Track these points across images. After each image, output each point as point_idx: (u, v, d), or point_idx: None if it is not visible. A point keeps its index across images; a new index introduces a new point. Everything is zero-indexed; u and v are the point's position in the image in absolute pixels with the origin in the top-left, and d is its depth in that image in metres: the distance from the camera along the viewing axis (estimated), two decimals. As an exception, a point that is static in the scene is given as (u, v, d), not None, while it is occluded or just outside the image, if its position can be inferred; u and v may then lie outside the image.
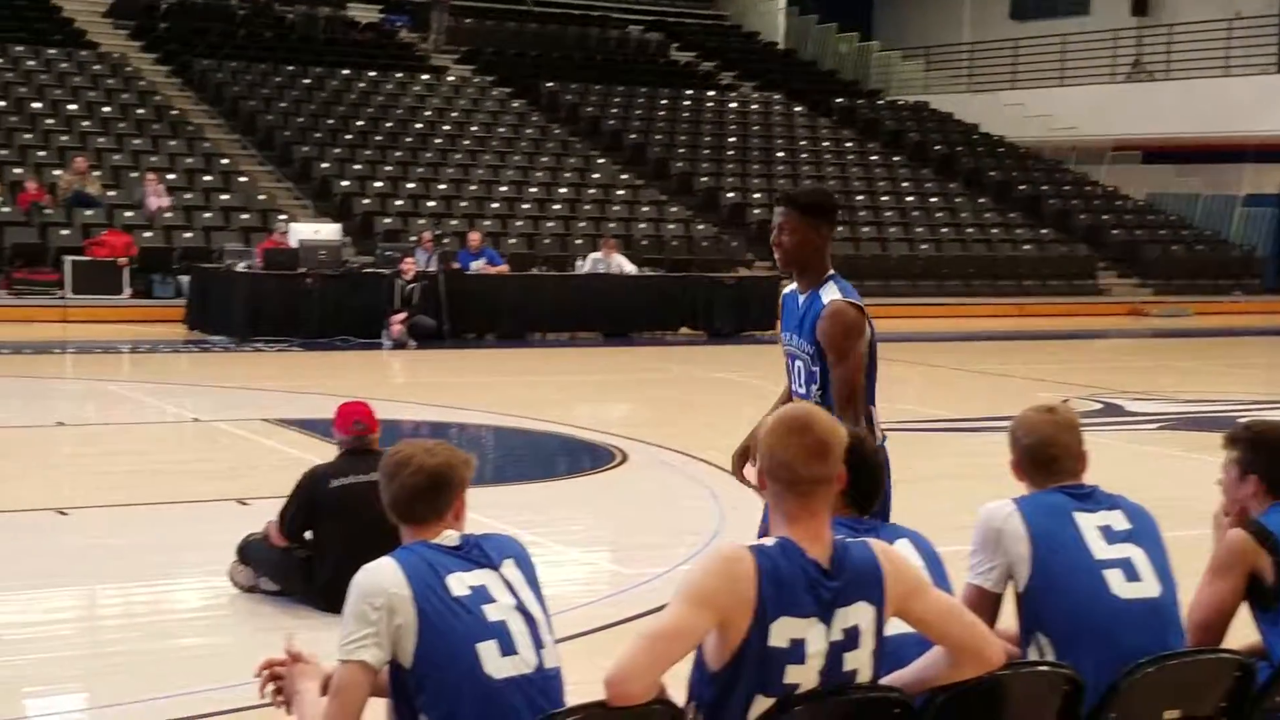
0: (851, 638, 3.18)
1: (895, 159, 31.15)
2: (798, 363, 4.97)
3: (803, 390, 4.97)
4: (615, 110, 30.32)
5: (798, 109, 32.55)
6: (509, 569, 3.49)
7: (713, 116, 31.24)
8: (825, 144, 31.29)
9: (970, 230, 28.53)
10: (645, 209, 26.24)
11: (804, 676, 3.15)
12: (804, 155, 30.29)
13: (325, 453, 10.52)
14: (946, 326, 23.39)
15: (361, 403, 6.84)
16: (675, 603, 3.13)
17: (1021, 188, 30.74)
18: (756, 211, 26.99)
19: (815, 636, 3.14)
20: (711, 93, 32.61)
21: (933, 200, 29.62)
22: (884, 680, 3.30)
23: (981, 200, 30.02)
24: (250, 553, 6.79)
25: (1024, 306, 25.86)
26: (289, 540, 6.59)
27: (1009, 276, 27.15)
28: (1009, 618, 3.92)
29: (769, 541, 3.21)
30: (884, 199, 29.20)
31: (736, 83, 33.93)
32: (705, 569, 3.15)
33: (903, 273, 26.45)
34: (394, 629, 3.31)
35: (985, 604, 3.81)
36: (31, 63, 25.73)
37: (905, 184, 30.04)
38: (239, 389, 14.69)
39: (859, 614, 3.19)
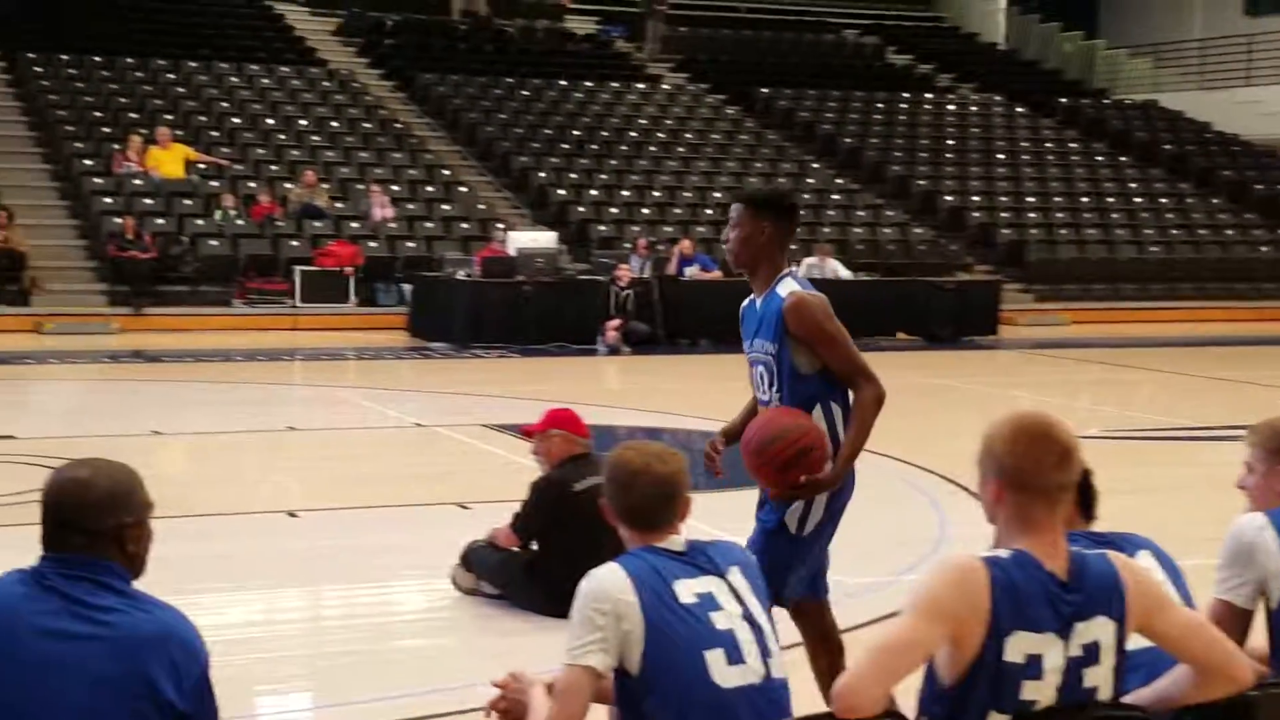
0: (1091, 653, 3.04)
1: (1122, 159, 30.19)
2: (759, 368, 4.82)
3: (765, 396, 4.81)
4: (830, 115, 30.07)
5: (1019, 110, 31.81)
6: (735, 576, 3.42)
7: (930, 119, 30.73)
8: (1048, 145, 30.50)
9: (1203, 232, 27.45)
10: (861, 213, 25.93)
11: (1041, 693, 3.01)
12: (1026, 156, 29.57)
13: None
14: (1179, 331, 22.54)
15: (569, 409, 6.85)
16: (905, 614, 3.01)
17: (1258, 187, 29.47)
18: (976, 215, 26.43)
19: (1053, 652, 3.00)
20: (929, 95, 32.09)
21: (1162, 201, 28.60)
22: (1126, 698, 3.14)
23: (1215, 201, 28.87)
24: (473, 557, 6.85)
25: (1262, 310, 24.76)
26: (523, 544, 6.62)
27: (1245, 279, 26.04)
28: (1258, 635, 3.72)
29: (1003, 553, 3.07)
30: (1110, 200, 28.30)
31: (955, 84, 33.33)
32: (937, 579, 3.03)
33: (1132, 276, 25.57)
34: (621, 635, 3.27)
35: (1234, 621, 3.62)
36: (265, 81, 26.67)
37: (1133, 185, 29.07)
38: (459, 394, 14.92)
39: (1099, 629, 3.04)
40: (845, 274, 21.00)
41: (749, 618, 3.37)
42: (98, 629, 2.92)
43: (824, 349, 4.62)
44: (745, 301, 4.97)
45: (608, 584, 3.31)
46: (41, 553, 3.03)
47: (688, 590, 3.33)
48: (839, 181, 27.24)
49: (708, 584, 3.36)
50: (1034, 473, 3.06)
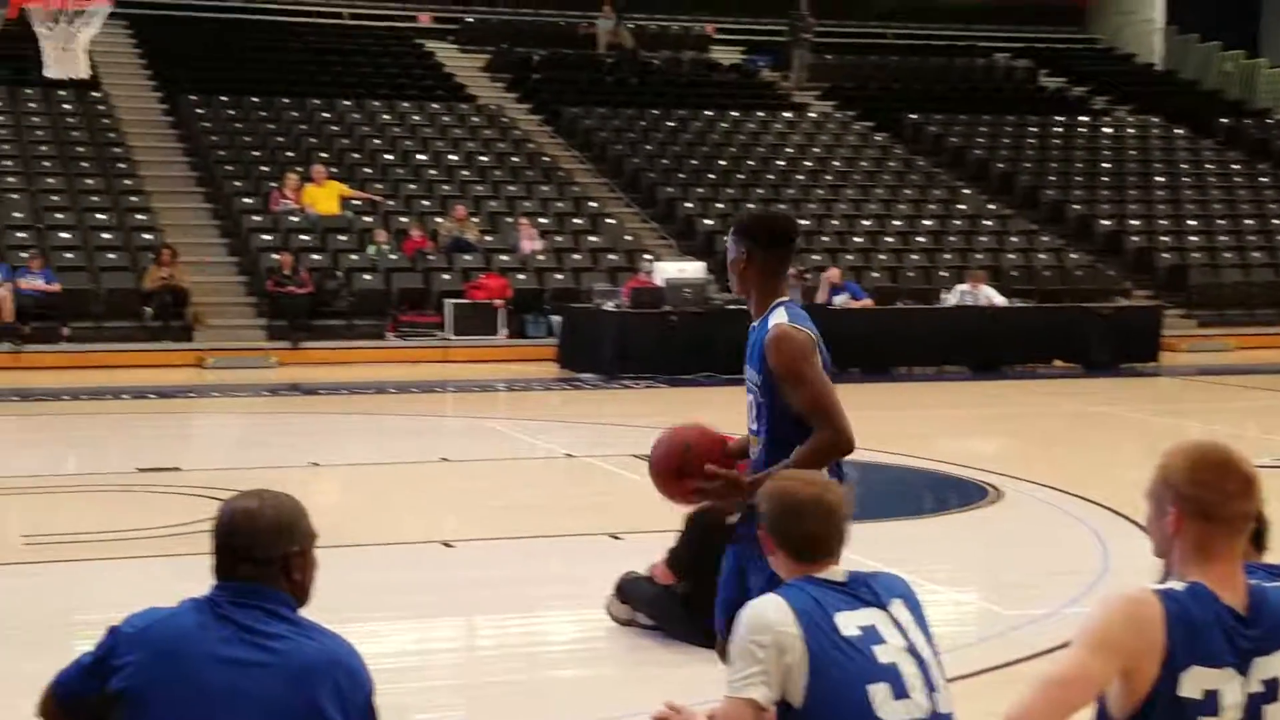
0: (1272, 690, 2.90)
1: (1286, 180, 29.31)
2: (749, 397, 4.62)
3: (754, 426, 4.62)
4: (981, 140, 29.67)
5: (1178, 131, 31.06)
6: (898, 609, 3.34)
7: (1085, 142, 30.14)
8: (1209, 166, 29.72)
9: (1372, 253, 26.50)
10: (1014, 239, 25.51)
11: (1220, 730, 2.87)
12: (1186, 179, 28.85)
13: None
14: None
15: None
16: (1075, 647, 2.90)
17: None
18: (1134, 239, 25.83)
19: (1231, 688, 2.86)
20: (1084, 118, 31.49)
21: (1331, 221, 27.68)
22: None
23: (1388, 221, 27.86)
24: (629, 588, 6.83)
25: None
26: (680, 578, 6.56)
27: None
28: None
29: (1177, 585, 2.94)
30: (1275, 222, 27.47)
31: (1110, 107, 32.66)
32: (1108, 612, 2.91)
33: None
34: (783, 667, 3.20)
35: None
36: (416, 117, 27.14)
37: (1300, 205, 28.19)
38: (608, 425, 14.96)
39: None
40: (999, 300, 20.66)
41: (913, 651, 3.28)
42: (268, 656, 3.00)
43: (791, 387, 4.41)
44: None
45: (769, 616, 3.25)
46: (214, 581, 3.09)
47: (850, 623, 3.26)
48: (991, 207, 26.85)
49: (870, 616, 3.29)
50: (1217, 502, 2.94)
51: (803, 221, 25.09)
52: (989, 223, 26.09)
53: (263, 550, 3.06)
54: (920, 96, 31.33)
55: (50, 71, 13.16)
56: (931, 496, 11.32)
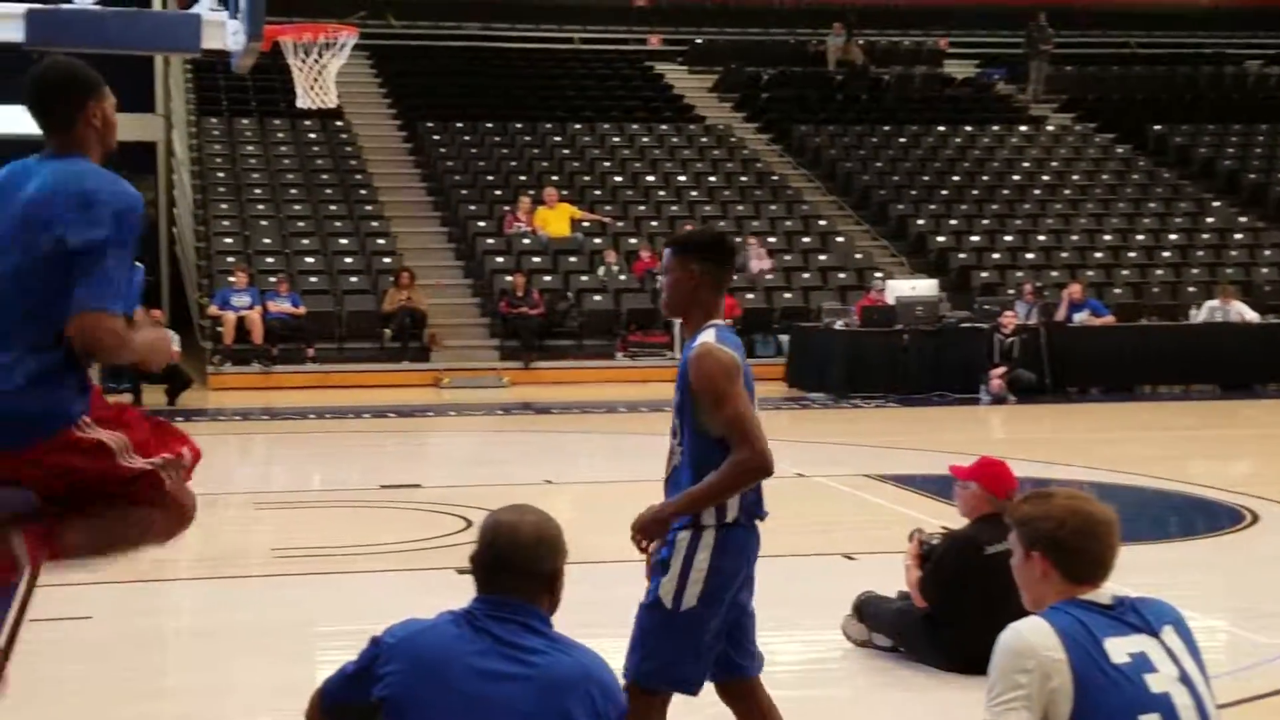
0: None
1: None
2: (673, 417, 4.41)
3: (676, 441, 4.39)
4: (1232, 150, 28.51)
5: None
6: (1169, 636, 3.16)
7: (1344, 151, 28.73)
8: None
9: None
10: (1268, 253, 24.41)
11: None
12: None
13: (928, 508, 10.39)
14: None
15: (1004, 462, 6.56)
16: None
17: None
18: (1396, 251, 24.50)
19: None
20: (1339, 125, 30.02)
21: None
22: None
23: None
24: (866, 608, 6.68)
25: None
26: (931, 604, 6.36)
27: None
28: None
29: None
30: None
31: (1367, 113, 31.06)
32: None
33: None
34: (1047, 693, 3.05)
35: None
36: (645, 139, 27.36)
37: None
38: (839, 444, 14.78)
39: None
40: (1251, 316, 19.81)
41: (1186, 680, 3.10)
42: (524, 669, 3.06)
43: (711, 406, 4.23)
44: None
45: (1034, 640, 3.10)
46: (475, 594, 3.13)
47: (1119, 649, 3.08)
48: (1242, 220, 25.75)
49: (1140, 643, 3.11)
50: None
51: (1040, 237, 24.52)
52: (1240, 236, 25.03)
53: (532, 565, 3.14)
54: (1165, 107, 30.27)
55: (302, 102, 13.65)
56: (1181, 520, 10.86)
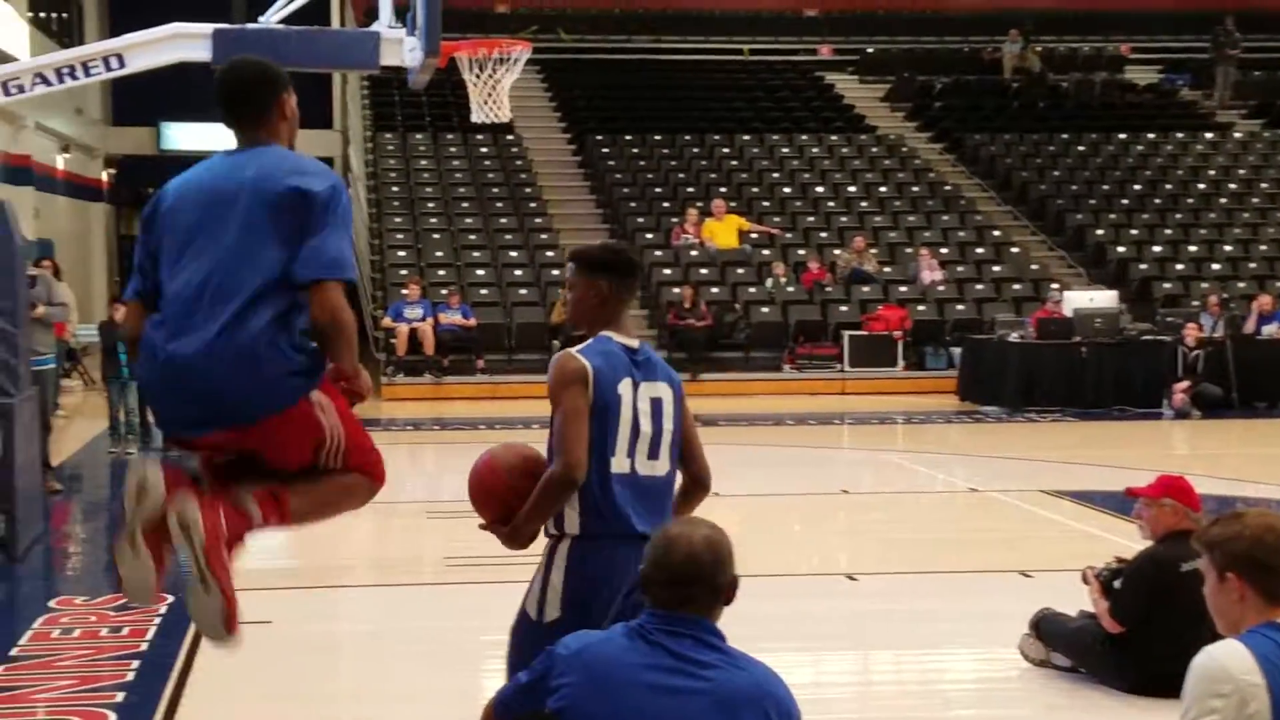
0: None
1: None
2: None
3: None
4: None
5: None
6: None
7: None
8: None
9: None
10: None
11: None
12: None
13: (1108, 525, 10.12)
14: None
15: (1183, 478, 6.35)
16: None
17: None
18: None
19: None
20: None
21: None
22: None
23: None
24: (1045, 626, 6.50)
25: None
26: (1125, 626, 6.11)
27: None
28: None
29: None
30: None
31: None
32: None
33: None
34: (1244, 719, 2.91)
35: None
36: (815, 150, 27.18)
37: None
38: (1013, 459, 14.47)
39: None
40: None
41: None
42: (699, 683, 3.03)
43: (552, 411, 4.19)
44: None
45: (1230, 664, 2.97)
46: (647, 608, 3.11)
47: None
48: None
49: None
50: None
51: (1226, 247, 23.79)
52: None
53: (704, 578, 3.11)
54: (1360, 111, 29.14)
55: (476, 116, 13.85)
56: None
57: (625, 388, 4.15)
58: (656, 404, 4.20)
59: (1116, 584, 6.19)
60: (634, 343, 4.27)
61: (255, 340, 3.66)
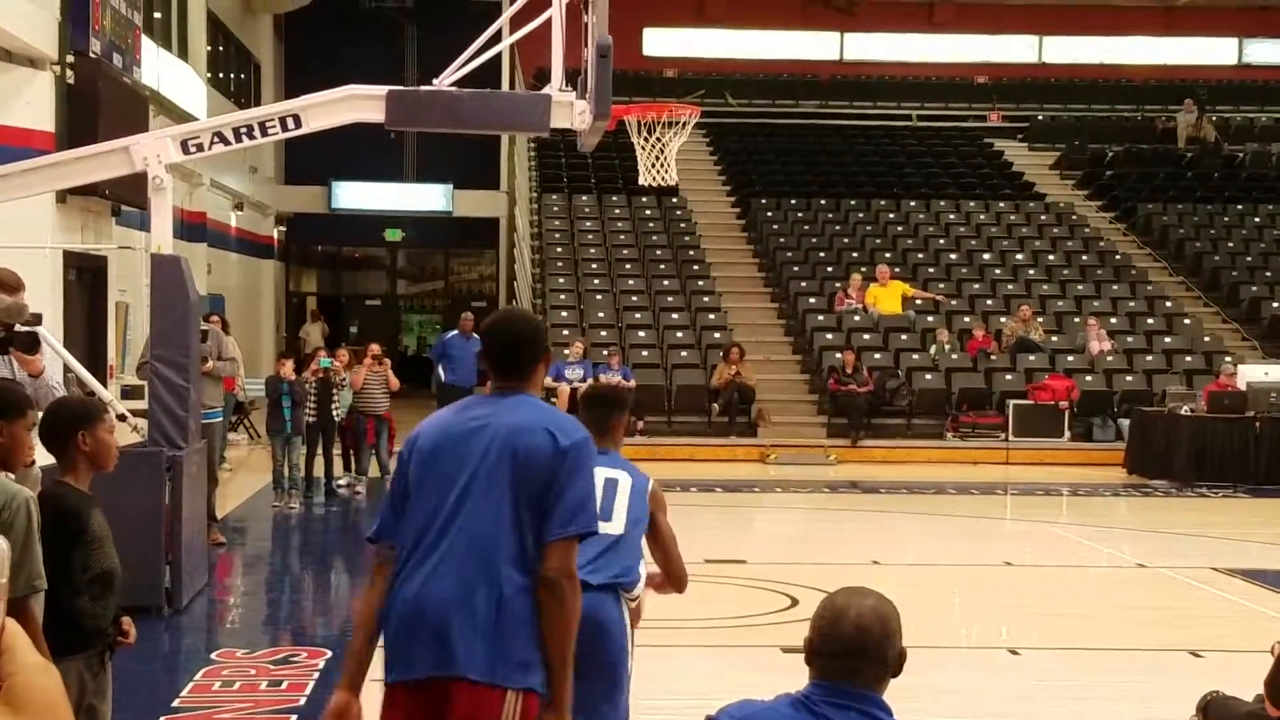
0: None
1: None
2: None
3: None
4: None
5: None
6: None
7: None
8: None
9: None
10: None
11: None
12: None
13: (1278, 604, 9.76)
14: None
15: None
16: None
17: None
18: None
19: None
20: None
21: None
22: None
23: None
24: (1213, 709, 6.26)
25: None
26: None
27: None
28: None
29: None
30: None
31: None
32: None
33: None
34: None
35: None
36: (982, 216, 26.90)
37: None
38: (1183, 535, 14.07)
39: None
40: None
41: None
42: None
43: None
44: None
45: None
46: (811, 678, 3.06)
47: None
48: None
49: None
50: None
51: None
52: None
53: (871, 650, 3.04)
54: None
55: (644, 179, 13.98)
56: None
57: None
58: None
59: None
60: None
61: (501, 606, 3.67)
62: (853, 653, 3.03)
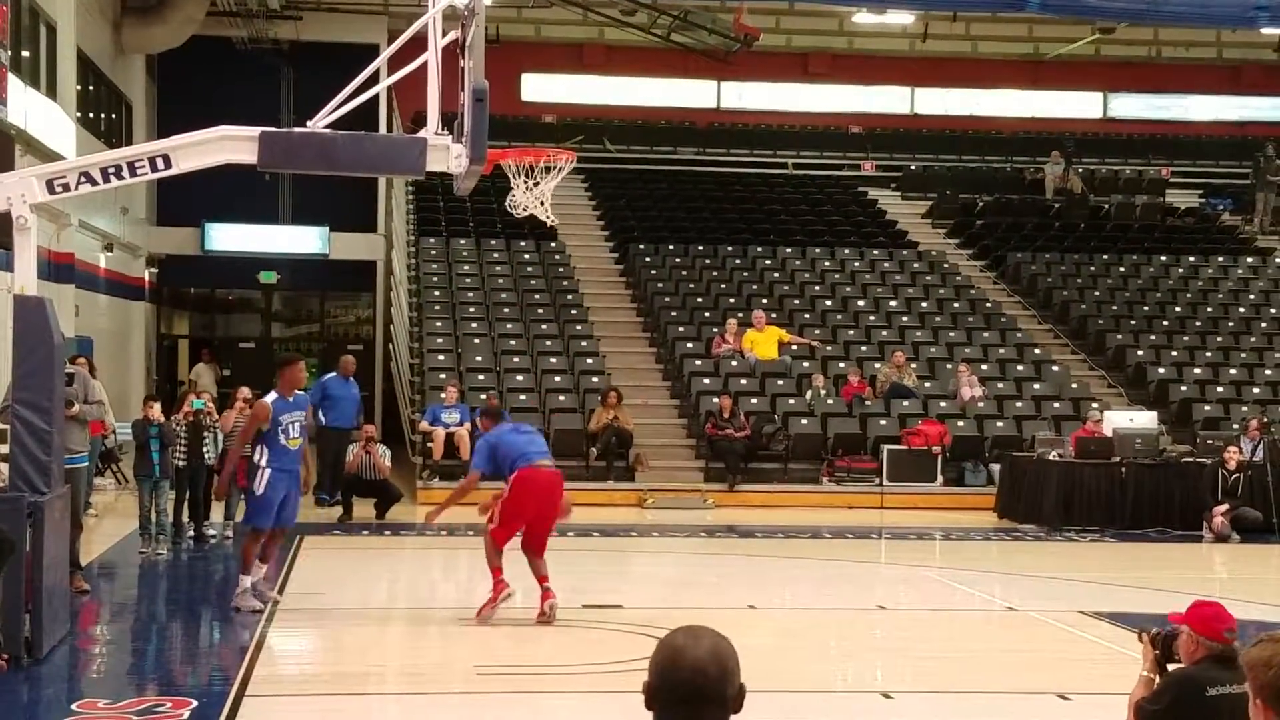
0: None
1: None
2: None
3: None
4: None
5: None
6: None
7: None
8: None
9: None
10: None
11: None
12: None
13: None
14: None
15: (1217, 603, 6.23)
16: None
17: None
18: None
19: None
20: None
21: None
22: None
23: None
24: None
25: None
26: None
27: None
28: None
29: None
30: None
31: None
32: None
33: None
34: None
35: None
36: (857, 264, 27.28)
37: None
38: (1051, 579, 14.30)
39: None
40: None
41: None
42: None
43: None
44: None
45: None
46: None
47: None
48: None
49: None
50: None
51: (1266, 371, 23.66)
52: None
53: (711, 691, 2.95)
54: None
55: (518, 205, 14.06)
56: None
57: None
58: None
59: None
60: None
61: None
62: (691, 697, 2.96)
